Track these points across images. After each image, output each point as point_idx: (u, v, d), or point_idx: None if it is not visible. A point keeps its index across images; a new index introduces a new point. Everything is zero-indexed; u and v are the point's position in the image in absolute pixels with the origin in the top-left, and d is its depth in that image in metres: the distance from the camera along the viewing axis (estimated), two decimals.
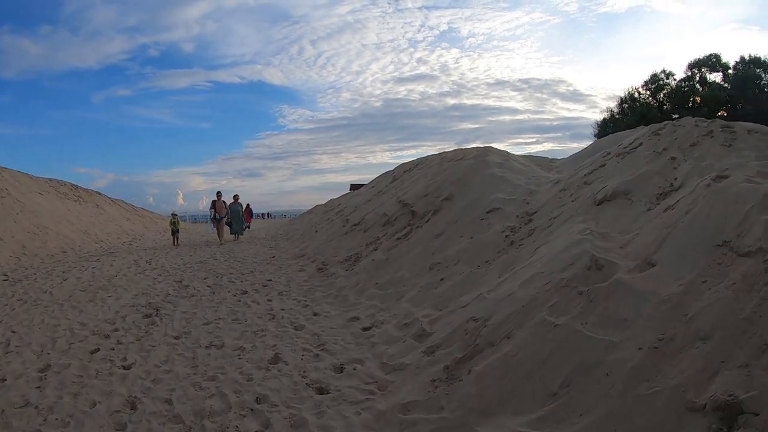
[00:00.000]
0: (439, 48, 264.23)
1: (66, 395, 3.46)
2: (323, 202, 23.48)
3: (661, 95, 20.80)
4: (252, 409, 3.14)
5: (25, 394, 3.48)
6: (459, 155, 10.03)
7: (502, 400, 2.63)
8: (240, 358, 4.12)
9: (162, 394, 3.42)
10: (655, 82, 21.03)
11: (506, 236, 5.60)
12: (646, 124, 7.48)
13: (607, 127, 20.42)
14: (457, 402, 2.77)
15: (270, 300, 6.37)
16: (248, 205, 20.79)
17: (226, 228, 15.89)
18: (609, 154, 6.34)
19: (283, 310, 5.77)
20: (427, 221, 7.61)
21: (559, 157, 12.11)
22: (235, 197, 16.20)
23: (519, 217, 6.01)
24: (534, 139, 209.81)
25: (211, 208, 15.71)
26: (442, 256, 6.02)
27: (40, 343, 4.71)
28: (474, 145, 11.77)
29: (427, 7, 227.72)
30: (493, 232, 5.89)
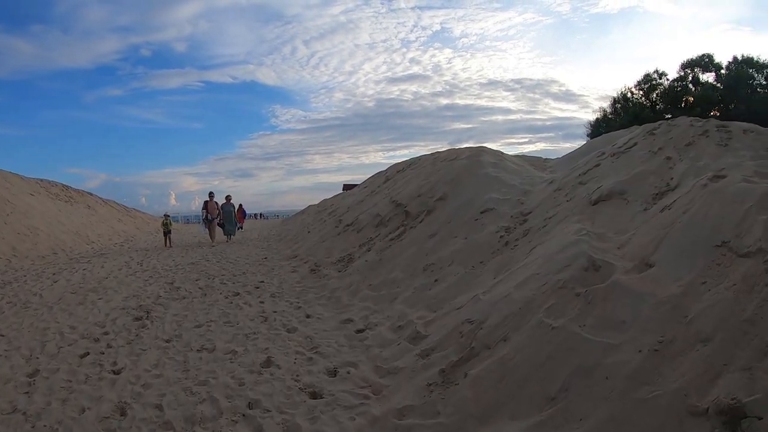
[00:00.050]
0: (431, 48, 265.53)
1: (54, 401, 3.37)
2: (316, 203, 23.39)
3: (654, 95, 20.85)
4: (244, 415, 3.07)
5: (13, 400, 3.40)
6: (452, 155, 10.00)
7: (499, 405, 2.57)
8: (232, 362, 4.04)
9: (152, 400, 3.34)
10: (647, 82, 21.09)
11: (501, 237, 5.55)
12: (639, 124, 7.48)
13: (600, 127, 20.46)
14: (453, 407, 2.71)
15: (262, 302, 6.28)
16: (240, 205, 20.62)
17: (219, 229, 15.77)
18: (604, 153, 6.32)
19: (275, 312, 5.69)
20: (420, 222, 7.56)
21: (552, 157, 12.17)
22: (228, 198, 16.06)
23: (513, 218, 5.97)
24: (527, 139, 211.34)
25: (203, 209, 15.59)
26: (436, 257, 5.97)
27: (30, 347, 4.60)
28: (467, 145, 11.76)
29: (419, 8, 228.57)
30: (487, 232, 5.84)
